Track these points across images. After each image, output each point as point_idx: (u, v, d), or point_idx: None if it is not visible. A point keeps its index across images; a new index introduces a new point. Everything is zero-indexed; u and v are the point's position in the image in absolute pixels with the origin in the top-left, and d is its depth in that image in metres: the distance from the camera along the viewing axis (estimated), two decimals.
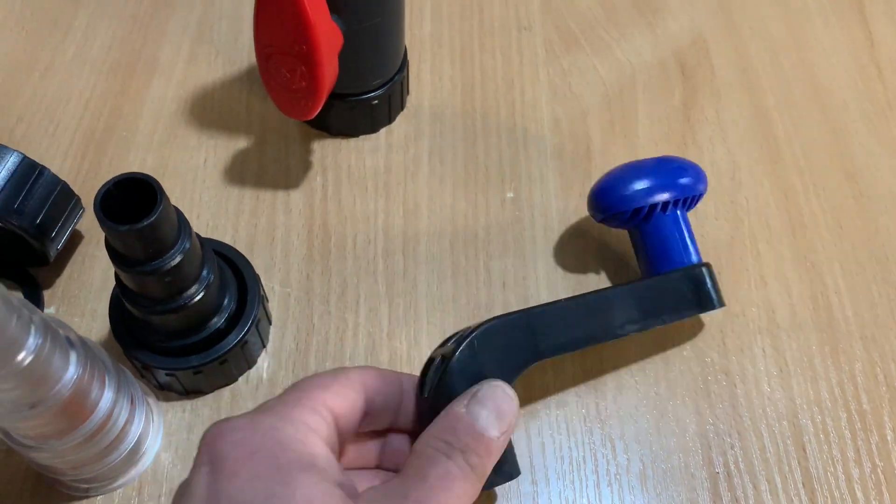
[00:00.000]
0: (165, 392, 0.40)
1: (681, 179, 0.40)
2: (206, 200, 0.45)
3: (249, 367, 0.41)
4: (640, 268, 0.42)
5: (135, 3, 0.52)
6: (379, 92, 0.46)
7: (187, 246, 0.33)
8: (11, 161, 0.38)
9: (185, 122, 0.48)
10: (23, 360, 0.27)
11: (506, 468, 0.33)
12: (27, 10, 0.52)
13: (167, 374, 0.38)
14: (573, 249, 0.45)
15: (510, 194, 0.46)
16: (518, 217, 0.46)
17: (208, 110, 0.49)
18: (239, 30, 0.52)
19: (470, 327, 0.35)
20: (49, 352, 0.28)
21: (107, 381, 0.33)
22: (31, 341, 0.28)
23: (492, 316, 0.35)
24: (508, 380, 0.34)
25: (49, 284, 0.42)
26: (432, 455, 0.29)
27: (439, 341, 0.37)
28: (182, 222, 0.33)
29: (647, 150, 0.48)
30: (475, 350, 0.34)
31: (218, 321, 0.38)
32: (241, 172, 0.46)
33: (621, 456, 0.39)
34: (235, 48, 0.51)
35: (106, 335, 0.41)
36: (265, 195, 0.46)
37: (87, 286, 0.42)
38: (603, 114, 0.50)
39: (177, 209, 0.33)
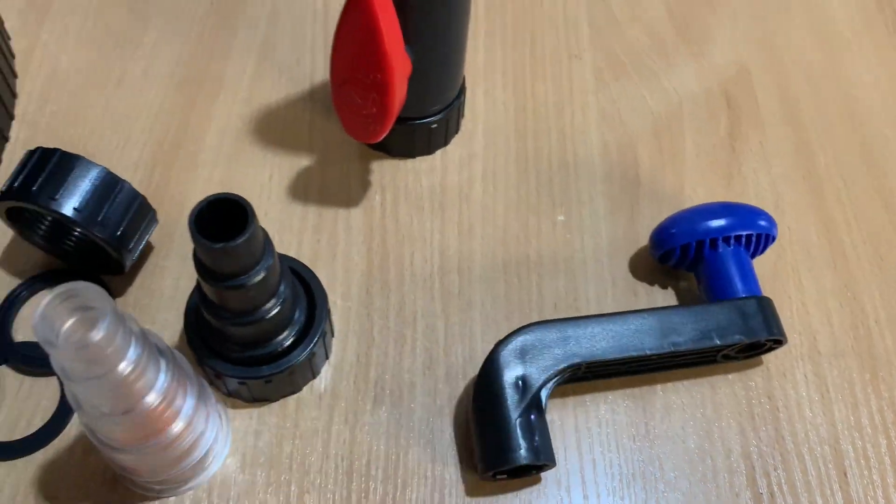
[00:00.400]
0: (232, 399, 0.42)
1: (759, 221, 0.43)
2: (272, 216, 0.47)
3: (314, 378, 0.42)
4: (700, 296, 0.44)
5: (200, 22, 0.55)
6: (438, 116, 0.48)
7: (270, 263, 0.35)
8: (95, 175, 0.40)
9: (250, 138, 0.50)
10: (123, 369, 0.29)
11: (538, 445, 0.37)
12: (98, 26, 0.54)
13: (239, 383, 0.40)
14: (622, 273, 0.46)
15: (561, 217, 0.48)
16: (569, 240, 0.47)
17: (272, 128, 0.50)
18: (301, 52, 0.54)
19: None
20: (145, 362, 0.30)
21: (188, 389, 0.35)
22: (132, 352, 0.30)
23: None
24: (543, 379, 0.38)
25: (121, 293, 0.44)
26: None
27: None
28: (267, 241, 0.35)
29: (695, 177, 0.50)
30: (516, 347, 0.39)
31: (289, 334, 0.40)
32: (304, 189, 0.48)
33: (669, 474, 0.40)
34: (298, 69, 0.53)
35: (176, 343, 0.43)
36: (327, 212, 0.47)
37: (158, 295, 0.44)
38: (651, 141, 0.51)
39: (262, 228, 0.35)
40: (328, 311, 0.41)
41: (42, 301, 0.27)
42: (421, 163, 0.50)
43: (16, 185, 0.39)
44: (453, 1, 0.41)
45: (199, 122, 0.50)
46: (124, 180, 0.41)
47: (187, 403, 0.35)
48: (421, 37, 0.41)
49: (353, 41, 0.39)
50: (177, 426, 0.34)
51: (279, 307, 0.38)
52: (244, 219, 0.33)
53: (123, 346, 0.29)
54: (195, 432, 0.36)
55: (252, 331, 0.38)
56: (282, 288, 0.38)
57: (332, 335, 0.44)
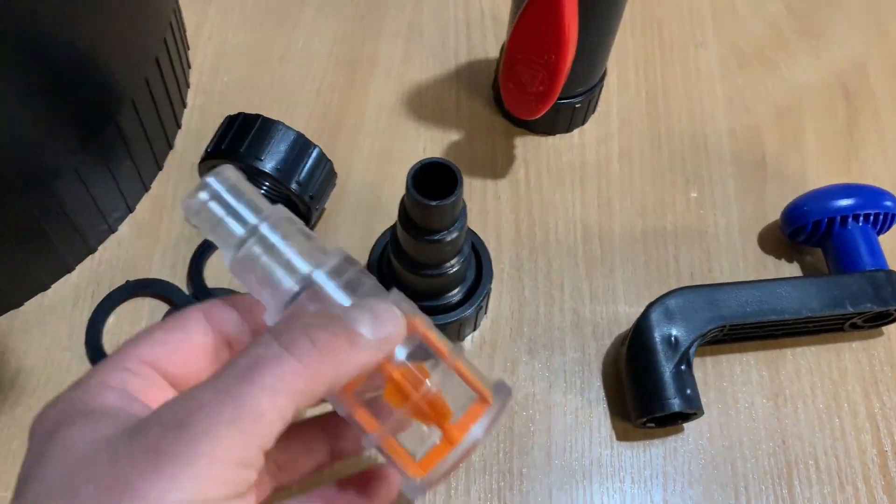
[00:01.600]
0: None
1: (885, 201, 0.47)
2: None
3: (474, 330, 0.47)
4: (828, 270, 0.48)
5: (352, 4, 0.59)
6: (581, 97, 0.52)
7: (463, 224, 0.40)
8: (292, 139, 0.45)
9: (404, 113, 0.54)
10: None
11: (690, 395, 0.41)
12: (258, 7, 0.59)
13: None
14: (752, 247, 0.50)
15: (694, 194, 0.52)
16: (702, 216, 0.51)
17: (423, 105, 0.55)
18: (444, 35, 0.58)
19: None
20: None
21: None
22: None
23: None
24: (692, 337, 0.43)
25: None
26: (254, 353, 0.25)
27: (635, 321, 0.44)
28: (463, 204, 0.40)
29: (816, 162, 0.53)
30: (667, 308, 0.43)
31: (460, 290, 0.44)
32: (455, 162, 0.52)
33: (802, 429, 0.44)
34: (443, 51, 0.57)
35: None
36: (476, 183, 0.52)
37: None
38: (774, 128, 0.55)
39: None
40: (492, 273, 0.45)
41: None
42: (560, 140, 0.54)
43: (223, 146, 0.44)
44: None
45: (357, 97, 0.55)
46: (316, 145, 0.45)
47: None
48: (590, 23, 0.45)
49: (535, 24, 0.43)
50: None
51: (460, 265, 0.42)
52: (452, 181, 0.37)
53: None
54: None
55: (434, 283, 0.42)
56: (465, 248, 0.42)
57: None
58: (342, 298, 0.29)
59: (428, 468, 0.28)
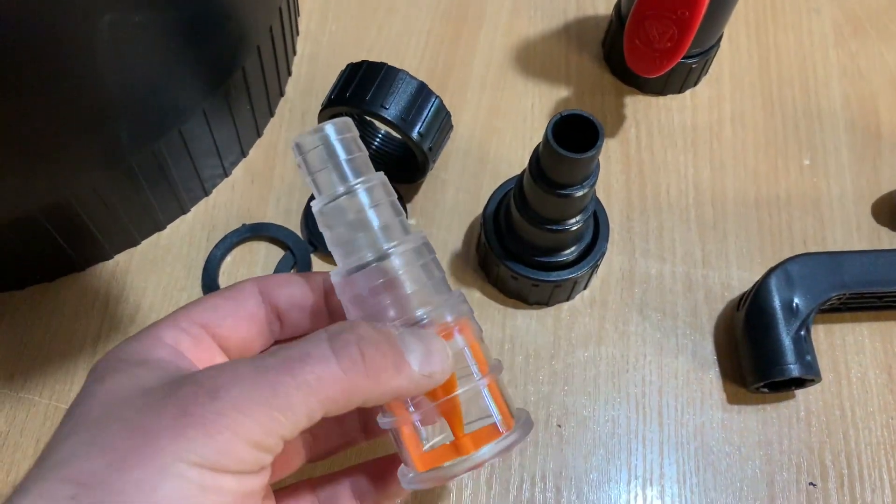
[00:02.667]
0: (513, 300, 0.46)
1: None
2: (536, 141, 0.51)
3: (584, 289, 0.47)
4: None
5: None
6: (697, 58, 0.51)
7: (594, 181, 0.39)
8: (415, 88, 0.44)
9: (512, 68, 0.54)
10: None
11: (809, 361, 0.42)
12: None
13: (533, 285, 0.44)
14: (866, 217, 0.49)
15: (807, 161, 0.51)
16: (815, 183, 0.50)
17: (531, 60, 0.54)
18: None
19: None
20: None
21: None
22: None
23: None
24: (813, 304, 0.42)
25: (408, 200, 0.49)
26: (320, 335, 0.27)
27: (749, 286, 0.45)
28: (597, 161, 0.39)
29: None
30: (788, 274, 0.43)
31: (577, 248, 0.44)
32: None
33: None
34: (552, 6, 0.56)
35: (460, 246, 0.48)
36: None
37: (441, 205, 0.49)
38: (890, 96, 0.54)
39: None
40: (608, 233, 0.45)
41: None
42: (671, 101, 0.53)
43: (348, 93, 0.44)
44: None
45: (465, 51, 0.54)
46: (437, 95, 0.45)
47: None
48: None
49: None
50: None
51: (582, 223, 0.42)
52: (593, 135, 0.37)
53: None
54: None
55: (555, 238, 0.42)
56: (590, 206, 0.42)
57: None
58: (408, 284, 0.30)
59: (429, 465, 0.29)
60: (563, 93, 0.53)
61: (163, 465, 0.23)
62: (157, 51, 0.36)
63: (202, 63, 0.40)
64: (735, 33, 0.56)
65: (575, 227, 0.42)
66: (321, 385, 0.25)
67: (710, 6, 0.46)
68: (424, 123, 0.45)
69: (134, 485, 0.23)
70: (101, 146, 0.38)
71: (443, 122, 0.46)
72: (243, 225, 0.47)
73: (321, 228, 0.31)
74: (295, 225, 0.48)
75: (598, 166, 0.39)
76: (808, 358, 0.42)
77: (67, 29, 0.31)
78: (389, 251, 0.30)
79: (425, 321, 0.30)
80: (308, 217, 0.48)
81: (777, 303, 0.42)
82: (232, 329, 0.30)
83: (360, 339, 0.27)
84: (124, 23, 0.33)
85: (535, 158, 0.39)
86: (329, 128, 0.30)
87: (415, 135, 0.44)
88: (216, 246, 0.46)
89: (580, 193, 0.39)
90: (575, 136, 0.37)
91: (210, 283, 0.46)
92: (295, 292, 0.31)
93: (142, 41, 0.35)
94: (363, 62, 0.45)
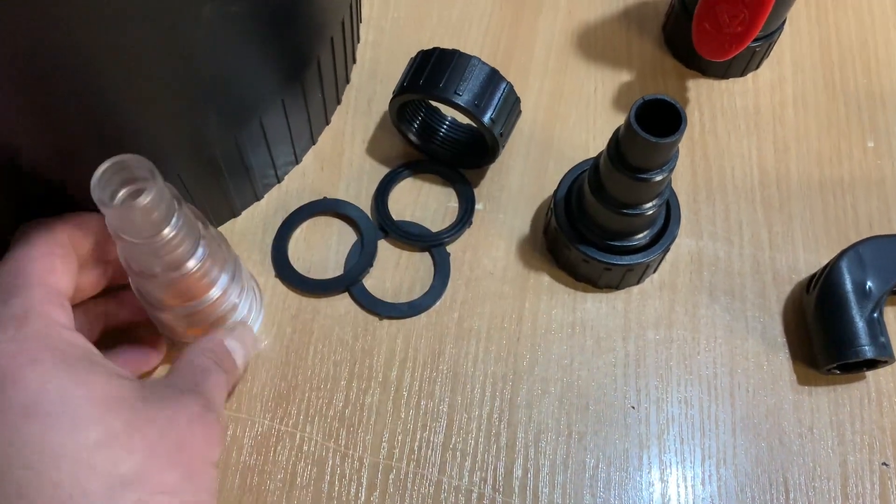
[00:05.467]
0: (582, 283, 0.47)
1: None
2: (600, 125, 0.52)
3: (653, 273, 0.47)
4: None
5: None
6: (761, 42, 0.51)
7: (673, 166, 0.40)
8: (486, 74, 0.45)
9: (573, 53, 0.54)
10: (167, 234, 0.33)
11: (883, 342, 0.42)
12: None
13: (605, 268, 0.45)
14: None
15: (871, 143, 0.51)
16: (879, 166, 0.50)
17: (592, 44, 0.55)
18: None
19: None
20: (185, 231, 0.34)
21: (224, 266, 0.38)
22: (175, 221, 0.33)
23: None
24: (886, 285, 0.43)
25: (475, 185, 0.50)
26: (206, 364, 0.37)
27: (816, 269, 0.46)
28: (677, 147, 0.39)
29: None
30: (860, 256, 0.43)
31: (649, 233, 0.44)
32: (627, 103, 0.52)
33: None
34: None
35: (527, 230, 0.48)
36: None
37: (507, 189, 0.50)
38: None
39: None
40: (680, 218, 0.46)
41: (99, 168, 0.30)
42: (733, 84, 0.53)
43: (421, 80, 0.45)
44: None
45: (526, 35, 0.55)
46: (508, 81, 0.46)
47: (222, 277, 0.38)
48: None
49: None
50: (211, 295, 0.38)
51: (657, 208, 0.42)
52: (675, 120, 0.37)
53: (167, 215, 0.33)
54: (228, 303, 0.40)
55: (629, 222, 0.43)
56: (666, 191, 0.42)
57: None
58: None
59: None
60: (625, 77, 0.53)
61: None
62: (246, 42, 0.37)
63: (284, 54, 0.41)
64: (796, 15, 0.56)
65: (650, 212, 0.42)
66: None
67: None
68: (496, 109, 0.45)
69: None
70: (189, 135, 0.39)
71: (512, 108, 0.46)
72: (325, 198, 0.48)
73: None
74: (366, 210, 0.48)
75: (677, 152, 0.40)
76: (882, 339, 0.42)
77: (173, 16, 0.31)
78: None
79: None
80: (378, 201, 0.48)
81: (849, 285, 0.43)
82: (70, 287, 0.36)
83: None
84: (222, 12, 0.33)
85: (615, 142, 0.40)
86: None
87: (486, 120, 0.45)
88: (292, 214, 0.48)
89: (659, 178, 0.39)
90: (655, 120, 0.38)
91: (280, 245, 0.47)
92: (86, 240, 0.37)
93: (234, 31, 0.36)
94: (435, 49, 0.46)
